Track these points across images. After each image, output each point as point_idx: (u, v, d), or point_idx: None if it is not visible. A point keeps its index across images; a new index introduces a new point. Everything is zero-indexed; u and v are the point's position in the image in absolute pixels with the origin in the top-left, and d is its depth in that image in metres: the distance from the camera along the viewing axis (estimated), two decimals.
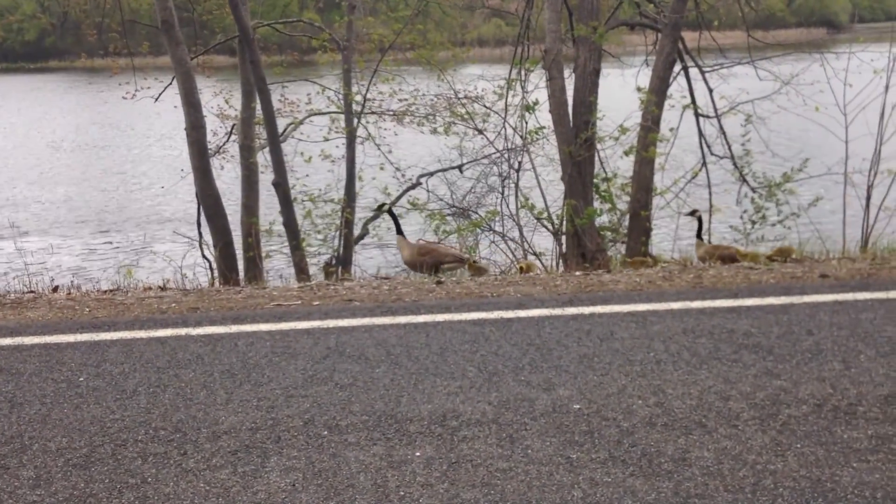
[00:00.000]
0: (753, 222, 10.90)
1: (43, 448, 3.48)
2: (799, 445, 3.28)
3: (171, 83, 12.83)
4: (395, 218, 8.27)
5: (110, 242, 18.15)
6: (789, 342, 4.38)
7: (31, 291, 6.36)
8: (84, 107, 43.13)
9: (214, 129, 14.86)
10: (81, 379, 4.22)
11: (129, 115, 34.77)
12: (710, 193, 11.85)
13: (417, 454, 3.31)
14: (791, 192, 10.96)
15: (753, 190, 11.33)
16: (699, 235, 8.39)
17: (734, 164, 11.67)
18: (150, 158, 27.45)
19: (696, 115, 11.67)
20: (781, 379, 3.91)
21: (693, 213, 8.86)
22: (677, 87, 11.54)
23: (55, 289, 6.50)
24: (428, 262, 7.48)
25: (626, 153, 10.85)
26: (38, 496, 3.11)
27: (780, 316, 4.81)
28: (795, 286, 5.49)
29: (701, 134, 11.80)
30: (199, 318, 5.23)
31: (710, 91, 11.81)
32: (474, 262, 8.17)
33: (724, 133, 11.71)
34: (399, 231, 8.03)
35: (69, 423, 3.71)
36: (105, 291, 6.31)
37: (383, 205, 8.68)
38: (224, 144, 14.84)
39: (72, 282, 6.84)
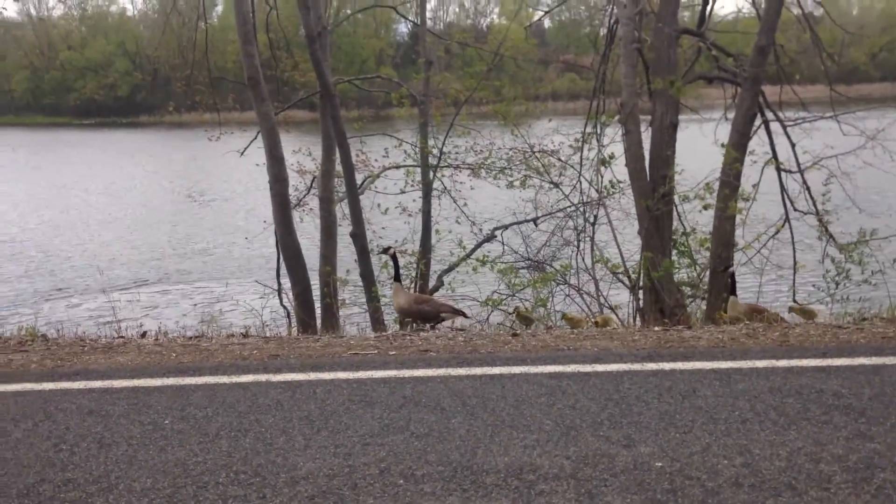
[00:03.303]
0: (837, 283, 10.53)
1: (128, 488, 3.57)
2: None
3: (255, 138, 13.27)
4: (396, 263, 8.26)
5: (195, 291, 18.70)
6: (882, 404, 4.20)
7: (121, 337, 6.59)
8: (172, 162, 44.94)
9: (295, 184, 15.27)
10: (166, 422, 4.32)
11: (214, 170, 36.07)
12: (793, 250, 11.55)
13: None
14: (876, 250, 10.57)
15: (841, 249, 10.95)
16: (733, 292, 8.13)
17: (819, 219, 11.36)
18: (234, 211, 28.32)
19: (779, 169, 11.45)
20: (875, 442, 3.75)
21: (725, 269, 8.67)
22: (758, 141, 11.36)
23: (143, 334, 6.71)
24: (426, 310, 7.48)
25: (706, 208, 10.68)
26: None
27: (872, 377, 4.62)
28: (888, 347, 5.28)
29: (783, 189, 11.55)
30: (280, 364, 5.32)
31: (793, 145, 11.59)
32: (522, 310, 8.13)
33: (807, 188, 11.44)
34: (398, 278, 8.04)
35: (154, 465, 3.79)
36: (190, 338, 6.48)
37: (389, 248, 8.63)
38: (304, 197, 15.22)
39: (159, 328, 7.06)
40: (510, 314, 7.96)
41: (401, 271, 12.76)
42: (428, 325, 7.46)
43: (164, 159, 45.90)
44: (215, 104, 14.98)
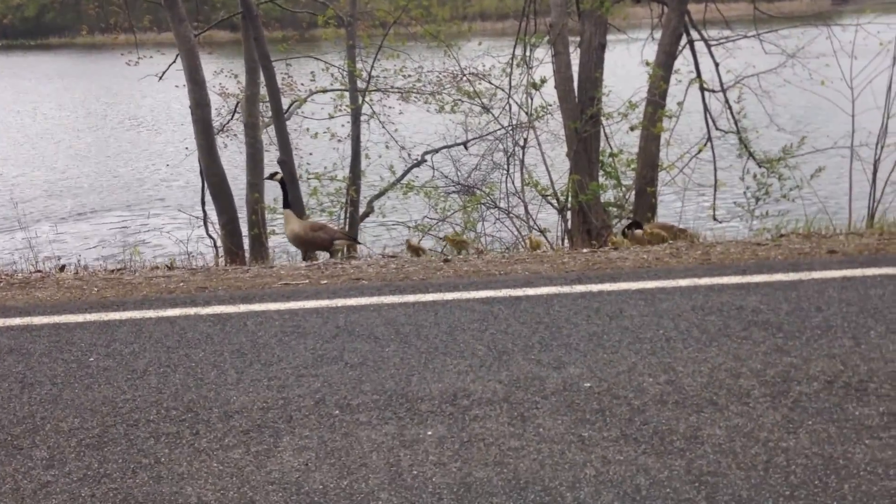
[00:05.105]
0: (757, 198, 10.86)
1: (55, 428, 3.50)
2: (811, 422, 3.28)
3: (174, 61, 12.75)
4: (284, 189, 8.10)
5: (115, 222, 18.17)
6: (799, 319, 4.38)
7: (39, 271, 6.37)
8: (86, 85, 43.00)
9: (218, 108, 14.80)
10: (91, 359, 4.23)
11: (132, 95, 34.70)
12: (714, 168, 11.81)
13: (429, 433, 3.32)
14: (793, 168, 10.90)
15: (759, 165, 11.27)
16: (636, 227, 8.16)
17: (739, 138, 11.62)
18: (154, 137, 27.39)
19: (702, 89, 11.60)
20: (792, 356, 3.91)
21: (630, 226, 8.41)
22: (683, 61, 11.45)
23: (62, 268, 6.50)
24: (322, 237, 7.37)
25: (633, 129, 10.79)
26: (53, 476, 3.13)
27: (789, 292, 4.80)
28: (803, 262, 5.47)
29: (706, 108, 11.73)
30: (208, 297, 5.23)
31: (717, 65, 11.72)
32: (413, 243, 8.13)
33: (729, 107, 11.64)
34: (287, 205, 7.87)
35: (81, 404, 3.72)
36: (113, 271, 6.31)
37: (276, 173, 8.44)
38: (228, 122, 14.79)
39: (79, 261, 6.84)
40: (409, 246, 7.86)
41: (328, 198, 12.65)
42: (347, 252, 7.37)
43: (81, 83, 43.85)
44: (131, 25, 14.30)
